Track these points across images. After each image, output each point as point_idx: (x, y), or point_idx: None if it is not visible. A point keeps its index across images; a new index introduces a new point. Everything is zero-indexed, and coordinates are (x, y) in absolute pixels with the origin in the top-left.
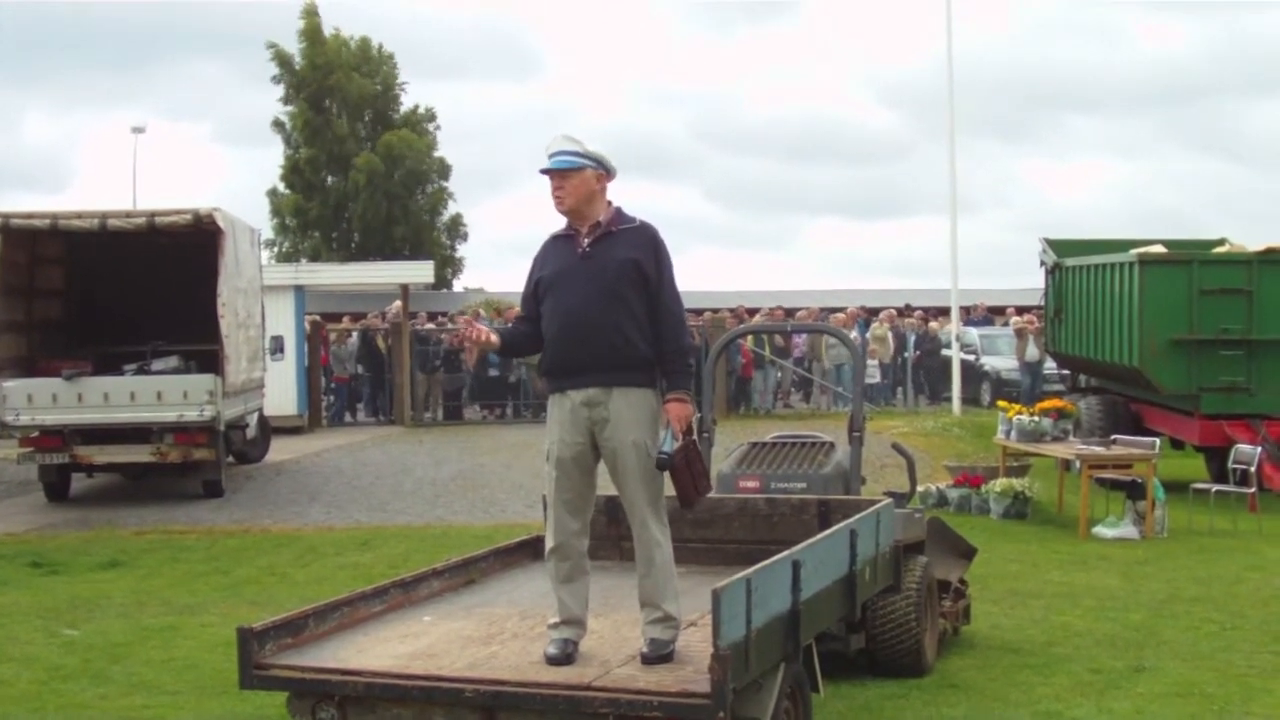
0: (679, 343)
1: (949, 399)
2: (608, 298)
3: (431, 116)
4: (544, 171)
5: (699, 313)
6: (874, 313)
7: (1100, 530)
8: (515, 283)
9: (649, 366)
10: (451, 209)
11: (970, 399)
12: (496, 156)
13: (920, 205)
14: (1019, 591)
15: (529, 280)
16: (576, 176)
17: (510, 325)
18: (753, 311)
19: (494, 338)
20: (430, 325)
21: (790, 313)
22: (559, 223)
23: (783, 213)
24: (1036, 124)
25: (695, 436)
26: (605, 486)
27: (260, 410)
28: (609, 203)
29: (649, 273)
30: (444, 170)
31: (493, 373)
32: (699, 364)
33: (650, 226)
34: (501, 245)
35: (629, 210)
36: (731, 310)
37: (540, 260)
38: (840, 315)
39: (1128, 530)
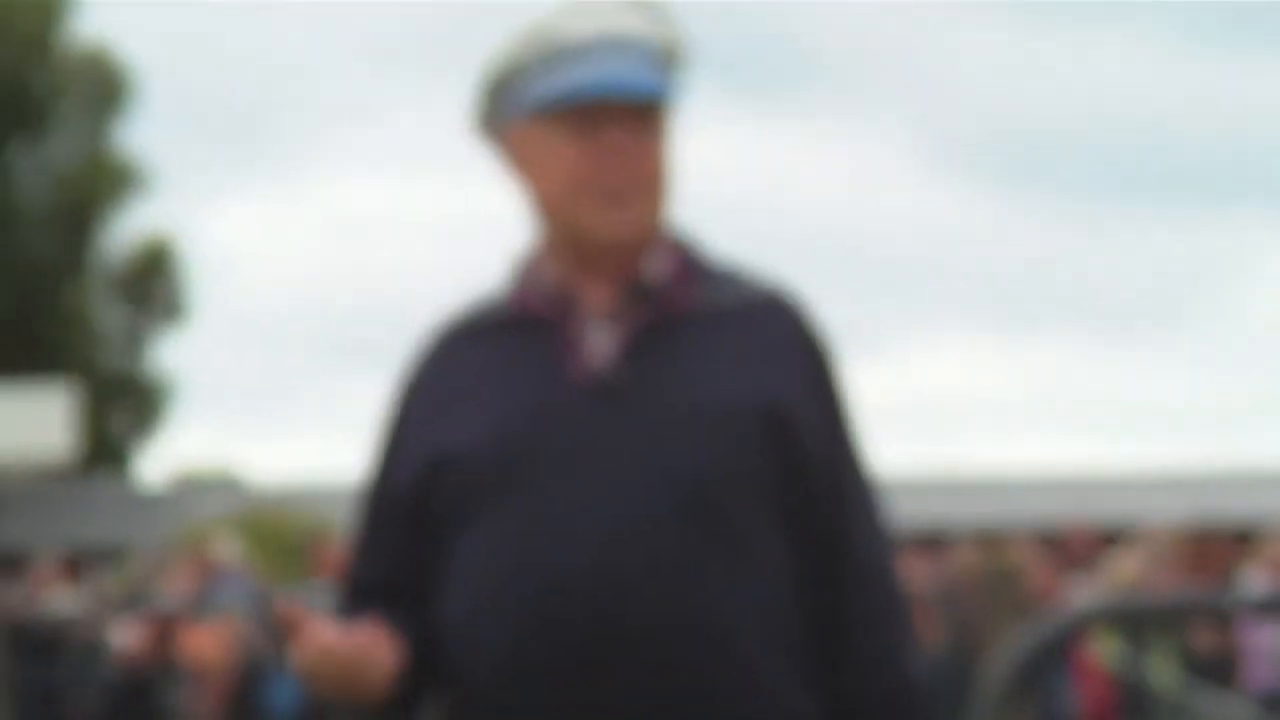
0: (896, 671)
1: None
2: (694, 532)
3: None
4: (554, 107)
5: (930, 546)
6: None
7: None
8: (332, 456)
9: None
10: (141, 216)
11: None
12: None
13: None
14: None
15: (395, 461)
16: (669, 126)
17: (348, 606)
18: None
19: (386, 661)
20: (61, 607)
21: (1240, 539)
22: (462, 279)
23: (1174, 201)
24: None
25: None
26: None
27: None
28: None
29: (813, 452)
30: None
31: None
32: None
33: (792, 295)
34: (293, 330)
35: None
36: (1049, 544)
37: (435, 399)
38: None
39: None
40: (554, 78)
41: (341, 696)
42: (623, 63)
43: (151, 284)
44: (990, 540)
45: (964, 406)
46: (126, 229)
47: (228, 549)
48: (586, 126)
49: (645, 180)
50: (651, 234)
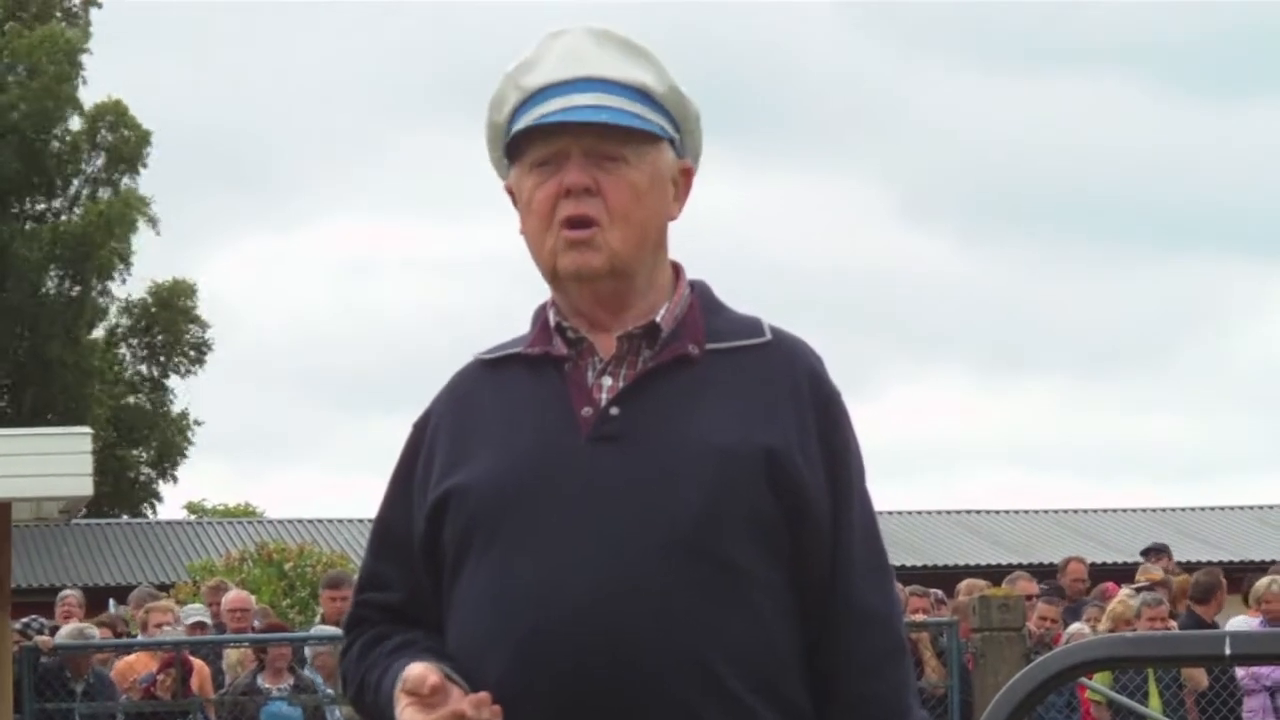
0: (896, 713)
1: None
2: (689, 571)
3: None
4: (522, 132)
5: (927, 588)
6: None
7: None
8: (353, 495)
9: None
10: (151, 252)
11: None
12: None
13: None
14: None
15: (411, 495)
16: (645, 163)
17: (401, 644)
18: (1116, 574)
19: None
20: (74, 625)
21: (1234, 573)
22: (495, 325)
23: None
24: None
25: None
26: None
27: None
28: (673, 264)
29: (812, 497)
30: (125, 146)
31: None
32: None
33: (802, 344)
34: (306, 370)
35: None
36: (1046, 586)
37: (450, 436)
38: None
39: None
40: (520, 118)
41: None
42: (586, 99)
43: (167, 326)
44: (997, 585)
45: (944, 447)
46: (139, 274)
47: (240, 584)
48: (550, 163)
49: (609, 214)
50: (620, 267)
